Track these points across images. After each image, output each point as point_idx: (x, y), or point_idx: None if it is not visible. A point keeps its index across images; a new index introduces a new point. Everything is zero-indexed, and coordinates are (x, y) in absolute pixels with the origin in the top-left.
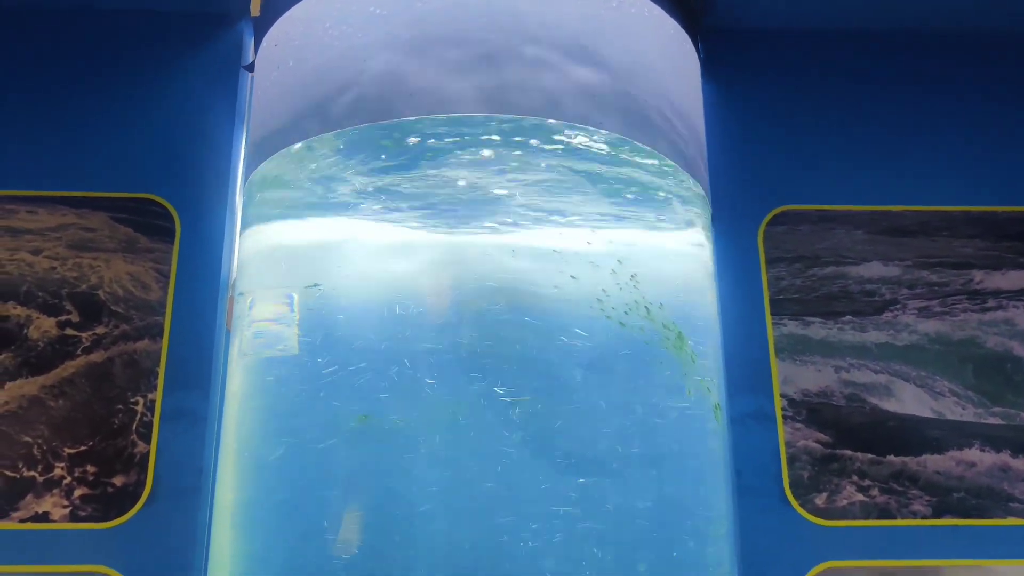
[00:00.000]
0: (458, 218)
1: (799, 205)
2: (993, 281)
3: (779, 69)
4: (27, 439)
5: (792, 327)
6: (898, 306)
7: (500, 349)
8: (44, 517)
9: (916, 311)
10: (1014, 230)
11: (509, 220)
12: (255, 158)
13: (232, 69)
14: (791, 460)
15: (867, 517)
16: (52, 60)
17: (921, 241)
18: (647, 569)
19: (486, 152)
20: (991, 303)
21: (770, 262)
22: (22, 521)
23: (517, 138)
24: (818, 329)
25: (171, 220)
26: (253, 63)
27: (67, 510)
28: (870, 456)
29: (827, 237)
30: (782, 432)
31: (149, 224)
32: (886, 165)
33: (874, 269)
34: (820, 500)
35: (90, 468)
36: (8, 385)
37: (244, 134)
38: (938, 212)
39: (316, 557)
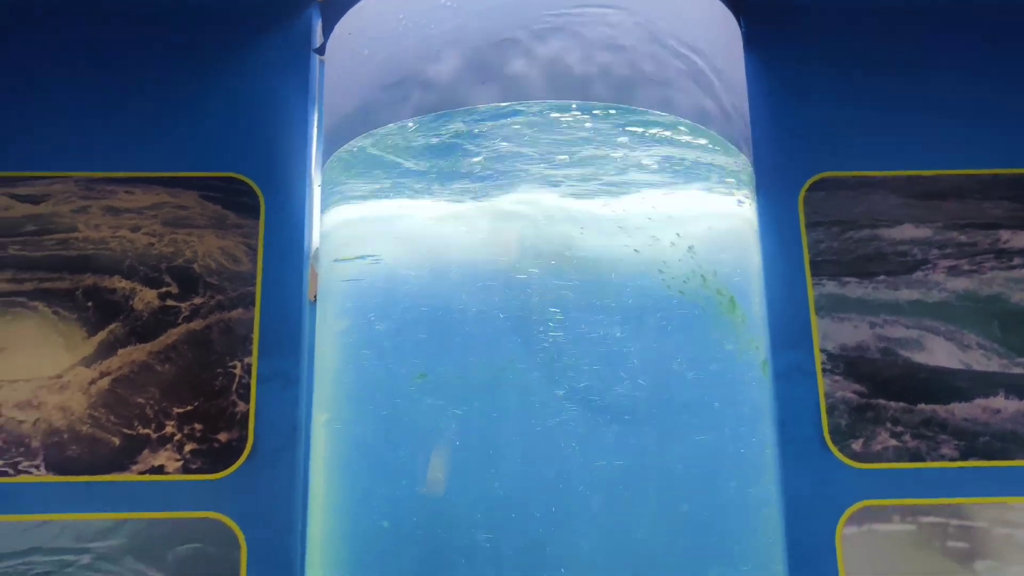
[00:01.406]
0: (522, 191)
1: (837, 172)
2: (1020, 240)
3: (817, 41)
4: (140, 400)
5: (831, 287)
6: (929, 265)
7: (566, 311)
8: (160, 470)
9: (946, 270)
10: None
11: (572, 193)
12: (331, 140)
13: (303, 53)
14: (830, 410)
15: (900, 460)
16: (139, 49)
17: (952, 204)
18: (701, 509)
19: (551, 133)
20: (1017, 261)
21: (810, 226)
22: (140, 473)
23: (585, 123)
24: (855, 288)
25: (255, 197)
26: (323, 46)
27: (179, 463)
28: (902, 404)
29: (864, 201)
30: (822, 384)
31: (236, 201)
32: (921, 131)
33: (907, 231)
34: (857, 445)
35: (197, 426)
36: (120, 352)
37: (316, 114)
38: (970, 175)
39: (394, 501)
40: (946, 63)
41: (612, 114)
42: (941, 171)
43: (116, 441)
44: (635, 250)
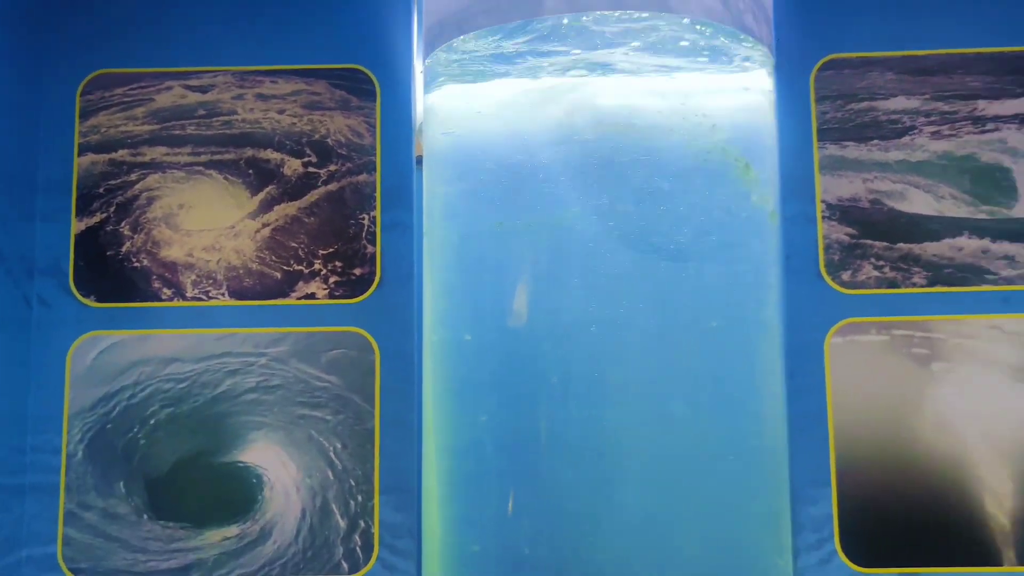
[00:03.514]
0: (583, 73)
1: (844, 53)
2: (993, 109)
3: None
4: (294, 244)
5: (833, 150)
6: (916, 131)
7: (614, 171)
8: (312, 296)
9: (929, 134)
10: (1016, 65)
11: (627, 72)
12: (431, 39)
13: None
14: (826, 248)
15: (879, 287)
16: None
17: (939, 78)
18: (719, 325)
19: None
20: (989, 126)
21: (819, 100)
22: (298, 298)
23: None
24: (852, 151)
25: (372, 84)
26: None
27: (327, 291)
28: (885, 243)
29: (864, 78)
30: (820, 228)
31: (357, 87)
32: (915, 14)
33: (899, 103)
34: (846, 276)
35: (338, 263)
36: (276, 208)
37: (416, 14)
38: (955, 54)
39: (478, 320)
40: None
41: (645, 17)
42: (930, 51)
43: (278, 275)
44: (670, 130)
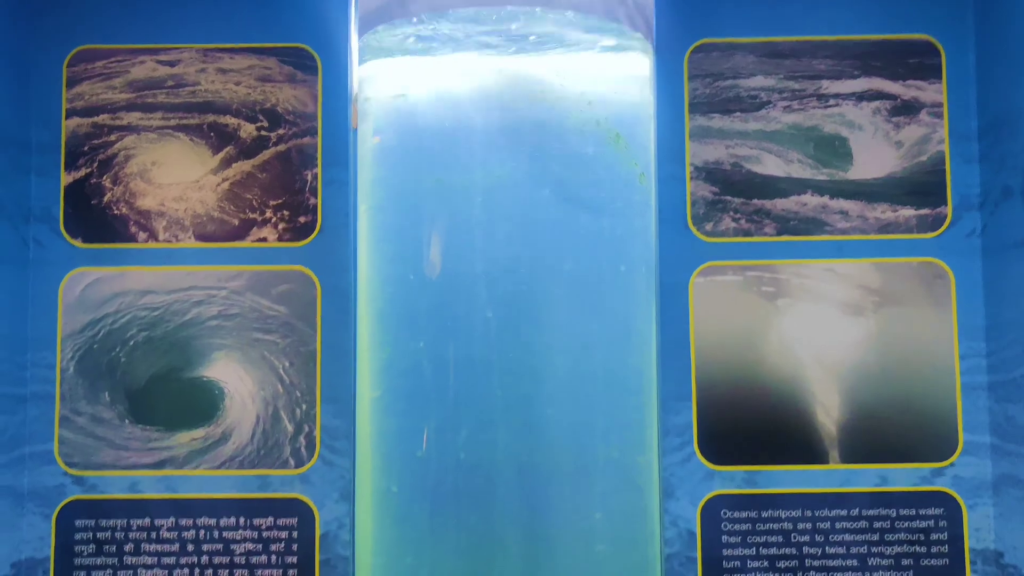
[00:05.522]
0: (498, 54)
1: (713, 38)
2: (835, 87)
3: None
4: (249, 196)
5: (701, 121)
6: (771, 105)
7: (526, 134)
8: (264, 240)
9: (782, 108)
10: (855, 51)
11: (532, 53)
12: (366, 22)
13: None
14: (693, 204)
15: (736, 236)
16: None
17: (791, 61)
18: (626, 269)
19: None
20: (831, 102)
21: (691, 78)
22: (252, 242)
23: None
24: (717, 121)
25: (314, 60)
26: None
27: (276, 235)
28: (741, 200)
29: (729, 60)
30: (689, 187)
31: (302, 63)
32: (772, 6)
33: (758, 81)
34: (708, 226)
35: (286, 212)
36: (234, 165)
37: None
38: (805, 41)
39: (413, 259)
40: None
41: (538, 11)
42: (784, 37)
43: (236, 222)
44: (566, 105)
